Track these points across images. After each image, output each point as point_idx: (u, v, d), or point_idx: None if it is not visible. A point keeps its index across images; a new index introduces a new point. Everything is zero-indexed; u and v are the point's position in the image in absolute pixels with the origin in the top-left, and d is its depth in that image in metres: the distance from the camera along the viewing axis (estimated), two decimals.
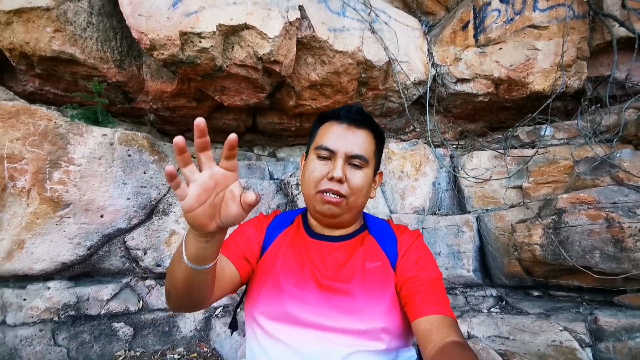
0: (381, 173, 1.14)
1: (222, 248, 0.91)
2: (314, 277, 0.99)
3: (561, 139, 2.73)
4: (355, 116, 1.03)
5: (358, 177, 1.00)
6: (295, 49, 2.30)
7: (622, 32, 2.62)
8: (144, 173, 2.24)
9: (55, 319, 2.03)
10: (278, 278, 1.00)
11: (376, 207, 2.50)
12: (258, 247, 1.08)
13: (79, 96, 2.26)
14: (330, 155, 1.00)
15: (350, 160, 1.00)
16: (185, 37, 2.02)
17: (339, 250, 1.05)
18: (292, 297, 0.96)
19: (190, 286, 0.81)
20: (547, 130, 2.74)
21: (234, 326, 1.20)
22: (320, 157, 1.01)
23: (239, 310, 1.28)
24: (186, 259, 0.76)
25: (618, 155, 2.25)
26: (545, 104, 2.61)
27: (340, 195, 0.98)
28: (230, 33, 2.13)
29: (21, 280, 2.06)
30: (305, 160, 1.11)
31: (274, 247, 1.08)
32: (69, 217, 2.04)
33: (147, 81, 2.48)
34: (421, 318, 0.88)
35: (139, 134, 2.25)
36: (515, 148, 2.71)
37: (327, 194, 0.98)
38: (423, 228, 2.42)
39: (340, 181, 0.97)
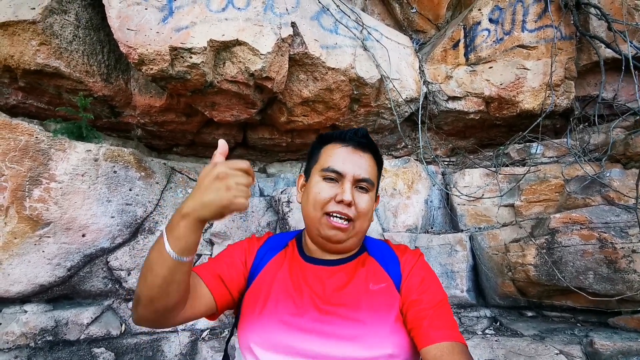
0: (379, 196, 1.12)
1: (200, 268, 0.96)
2: (314, 303, 0.94)
3: (551, 157, 2.75)
4: (361, 140, 1.03)
5: (365, 201, 0.99)
6: (287, 66, 2.28)
7: (608, 53, 2.67)
8: (130, 190, 2.17)
9: (32, 344, 1.92)
10: (274, 305, 0.95)
11: None
12: (244, 271, 1.02)
13: (64, 110, 2.19)
14: (338, 177, 0.98)
15: (358, 183, 0.99)
16: (175, 52, 1.98)
17: (339, 273, 1.00)
18: (289, 325, 0.91)
19: (169, 282, 0.79)
20: (537, 148, 2.75)
21: None
22: (326, 179, 1.00)
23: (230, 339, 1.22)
24: (171, 250, 0.76)
25: (608, 174, 2.27)
26: (536, 123, 2.63)
27: (348, 219, 0.96)
28: (222, 49, 2.10)
29: None
30: (305, 181, 1.07)
31: (267, 272, 1.03)
32: (49, 237, 1.95)
33: (135, 95, 2.42)
34: (430, 345, 0.83)
35: (125, 149, 2.19)
36: (506, 166, 2.72)
37: (334, 217, 0.96)
38: (416, 247, 2.39)
39: (349, 204, 0.96)
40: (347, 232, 0.97)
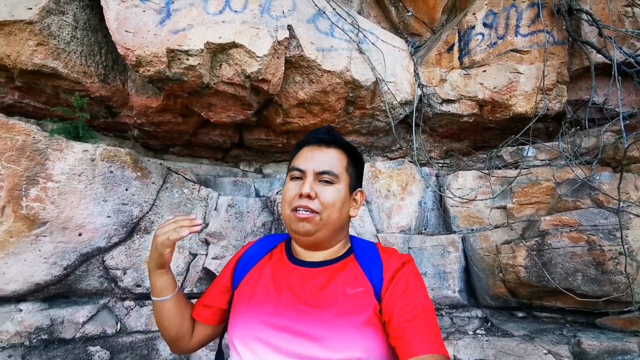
0: (362, 192, 1.13)
1: (198, 304, 1.17)
2: (292, 304, 0.97)
3: (543, 160, 2.79)
4: (323, 136, 1.08)
5: (328, 193, 1.01)
6: (283, 68, 2.31)
7: (599, 58, 2.72)
8: (126, 190, 2.19)
9: (27, 343, 1.93)
10: (256, 304, 0.99)
11: (362, 226, 2.49)
12: (229, 286, 1.13)
13: (60, 110, 2.21)
14: (301, 175, 1.03)
15: (320, 177, 1.02)
16: (173, 54, 2.00)
17: (320, 275, 1.02)
18: (267, 324, 0.95)
19: (162, 319, 1.09)
20: (529, 151, 2.80)
21: (220, 357, 1.18)
22: (293, 178, 1.05)
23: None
24: (153, 296, 1.09)
25: (598, 177, 2.31)
26: (528, 126, 2.67)
27: (311, 210, 0.99)
28: (219, 51, 2.12)
29: None
30: None
31: (254, 273, 1.08)
32: (45, 236, 1.96)
33: (132, 96, 2.43)
34: (412, 358, 0.83)
35: (122, 149, 2.20)
36: (499, 168, 2.76)
37: (300, 210, 1.00)
38: (409, 248, 2.42)
39: (309, 197, 0.99)
40: (313, 223, 0.99)
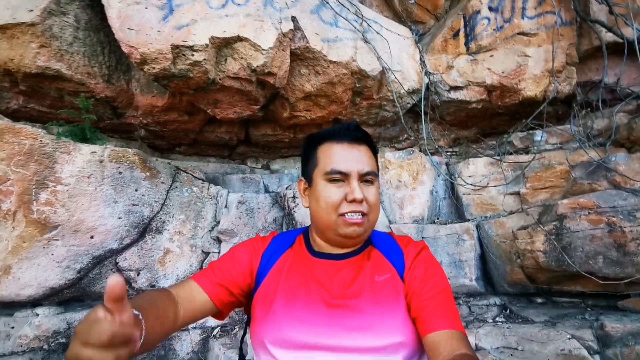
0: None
1: (201, 274, 1.01)
2: (322, 298, 0.95)
3: (554, 143, 2.75)
4: (356, 133, 1.03)
5: (373, 194, 1.00)
6: (289, 60, 2.27)
7: (609, 37, 2.66)
8: (136, 190, 2.17)
9: (46, 347, 1.93)
10: (284, 303, 0.96)
11: None
12: (251, 274, 1.04)
13: (66, 113, 2.18)
14: (343, 177, 0.98)
15: (363, 177, 1.00)
16: (177, 50, 1.97)
17: (346, 267, 1.01)
18: (300, 321, 0.92)
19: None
20: (540, 135, 2.75)
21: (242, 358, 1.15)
22: (332, 181, 0.99)
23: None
24: None
25: (613, 158, 2.27)
26: (539, 110, 2.63)
27: (362, 214, 0.98)
28: (223, 45, 2.09)
29: (8, 307, 1.95)
30: (308, 185, 1.06)
31: (275, 272, 1.04)
32: (57, 240, 1.95)
33: (137, 96, 2.41)
34: (430, 333, 0.86)
35: (130, 150, 2.18)
36: (510, 154, 2.72)
37: (350, 215, 0.97)
38: (423, 237, 2.39)
39: (361, 202, 0.97)
40: (363, 226, 0.99)
